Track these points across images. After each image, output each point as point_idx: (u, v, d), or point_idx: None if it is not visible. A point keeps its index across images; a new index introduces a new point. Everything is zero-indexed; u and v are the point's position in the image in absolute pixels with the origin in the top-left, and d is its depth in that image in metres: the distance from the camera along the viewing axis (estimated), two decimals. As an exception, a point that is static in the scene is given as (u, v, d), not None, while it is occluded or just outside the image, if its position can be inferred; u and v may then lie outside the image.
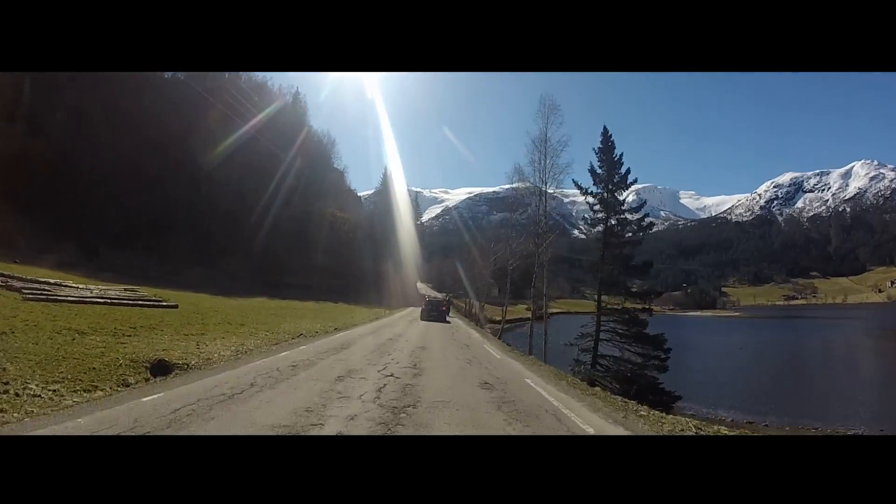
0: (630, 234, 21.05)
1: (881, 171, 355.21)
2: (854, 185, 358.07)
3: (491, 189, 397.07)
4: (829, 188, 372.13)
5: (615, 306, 19.89)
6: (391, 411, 5.12)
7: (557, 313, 53.72)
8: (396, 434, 4.40)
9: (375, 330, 18.05)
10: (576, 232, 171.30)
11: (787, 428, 15.02)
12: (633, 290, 20.52)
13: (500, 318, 29.82)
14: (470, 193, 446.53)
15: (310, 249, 47.60)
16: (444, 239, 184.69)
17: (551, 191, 22.02)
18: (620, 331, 19.40)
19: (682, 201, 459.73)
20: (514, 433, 4.68)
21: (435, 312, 27.74)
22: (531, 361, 13.49)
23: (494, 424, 4.99)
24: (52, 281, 16.25)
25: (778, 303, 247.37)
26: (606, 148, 21.06)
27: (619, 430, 5.46)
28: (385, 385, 6.63)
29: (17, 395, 4.73)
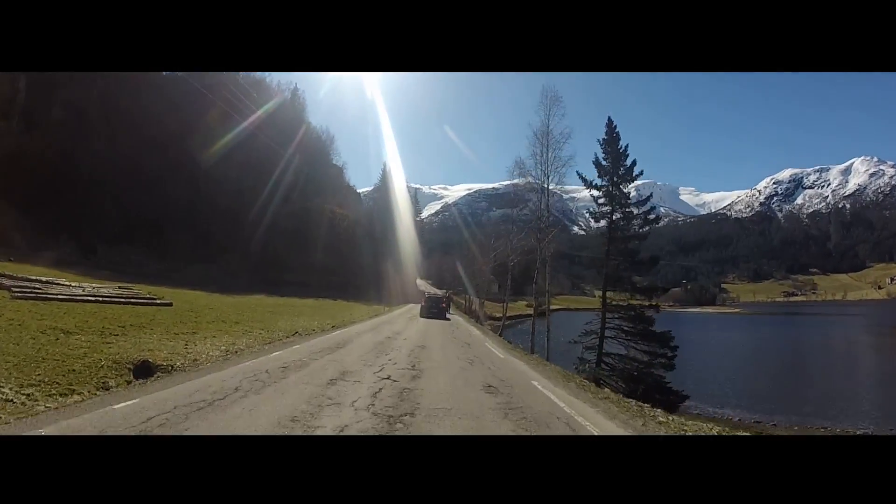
0: (636, 228, 20.43)
1: (881, 167, 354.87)
2: (854, 182, 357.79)
3: (490, 185, 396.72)
4: (829, 184, 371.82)
5: (620, 303, 19.37)
6: (386, 421, 4.75)
7: (557, 310, 53.59)
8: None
9: (374, 327, 17.73)
10: (575, 228, 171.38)
11: (796, 428, 14.75)
12: (639, 285, 19.97)
13: (500, 315, 29.59)
14: (469, 190, 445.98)
15: (309, 246, 47.35)
16: (443, 235, 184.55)
17: (553, 184, 21.52)
18: (626, 328, 18.87)
19: (681, 197, 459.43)
20: None
21: (435, 309, 27.44)
22: (535, 361, 13.11)
23: None
24: (43, 279, 15.96)
25: (778, 299, 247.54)
26: (611, 139, 20.48)
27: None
28: (381, 389, 6.20)
29: (-13, 399, 4.42)
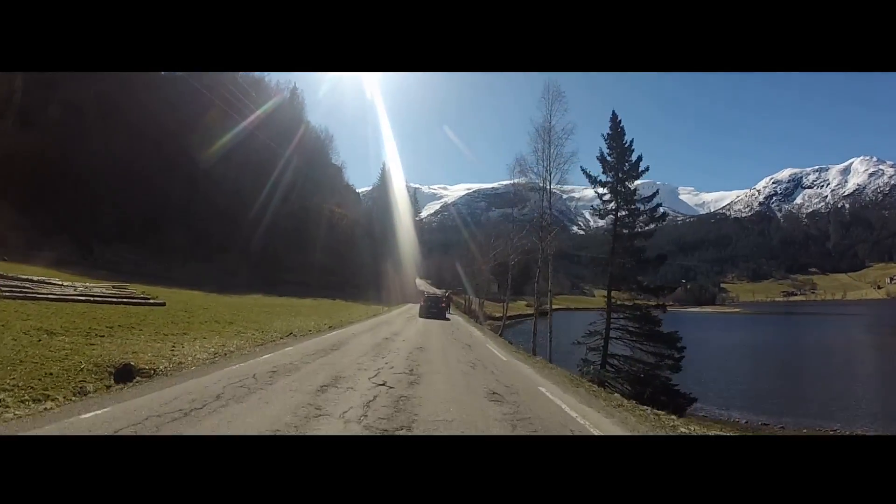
0: (642, 226, 19.80)
1: (880, 167, 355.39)
2: (853, 182, 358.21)
3: (489, 185, 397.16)
4: (828, 184, 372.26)
5: (626, 302, 18.85)
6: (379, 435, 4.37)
7: (558, 309, 53.17)
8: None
9: (371, 328, 17.39)
10: (575, 228, 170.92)
11: (805, 430, 14.46)
12: (646, 284, 19.36)
13: (500, 315, 29.32)
14: (468, 189, 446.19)
15: (308, 246, 47.08)
16: (442, 235, 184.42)
17: (555, 182, 21.09)
18: (632, 328, 18.31)
19: (680, 197, 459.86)
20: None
21: (434, 309, 27.12)
22: (540, 364, 12.70)
23: None
24: (34, 278, 15.63)
25: (777, 299, 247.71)
26: (616, 134, 19.90)
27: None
28: (375, 398, 5.73)
29: (-48, 407, 4.12)
